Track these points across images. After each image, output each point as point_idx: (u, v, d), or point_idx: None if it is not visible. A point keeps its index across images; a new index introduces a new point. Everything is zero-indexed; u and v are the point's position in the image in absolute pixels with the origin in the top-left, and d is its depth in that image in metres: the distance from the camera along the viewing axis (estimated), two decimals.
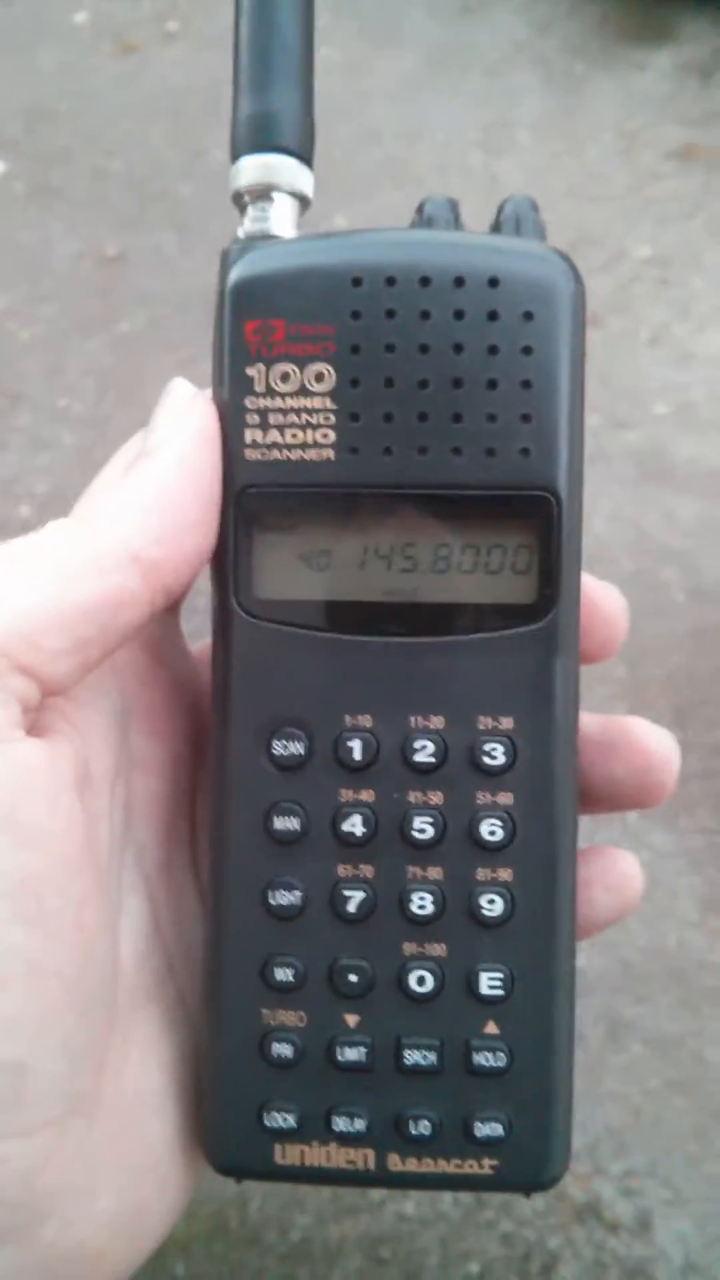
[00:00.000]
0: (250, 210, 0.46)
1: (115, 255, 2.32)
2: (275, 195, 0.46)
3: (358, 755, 0.44)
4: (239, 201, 0.46)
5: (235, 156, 0.46)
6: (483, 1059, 0.44)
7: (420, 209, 0.47)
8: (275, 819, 0.44)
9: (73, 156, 2.49)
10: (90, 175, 2.45)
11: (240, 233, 0.46)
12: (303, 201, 0.47)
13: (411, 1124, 0.44)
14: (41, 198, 2.44)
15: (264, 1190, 1.46)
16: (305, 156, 0.46)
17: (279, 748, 0.44)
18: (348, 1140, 0.44)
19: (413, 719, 0.44)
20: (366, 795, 0.44)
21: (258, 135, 0.45)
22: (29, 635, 0.37)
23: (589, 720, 0.49)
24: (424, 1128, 0.44)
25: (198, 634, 0.51)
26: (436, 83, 2.57)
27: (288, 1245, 1.46)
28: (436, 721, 0.44)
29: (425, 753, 0.44)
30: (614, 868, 0.50)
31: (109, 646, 0.40)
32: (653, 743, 0.49)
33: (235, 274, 0.44)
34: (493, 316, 0.42)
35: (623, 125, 2.50)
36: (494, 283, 0.42)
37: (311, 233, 0.45)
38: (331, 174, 2.49)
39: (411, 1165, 0.44)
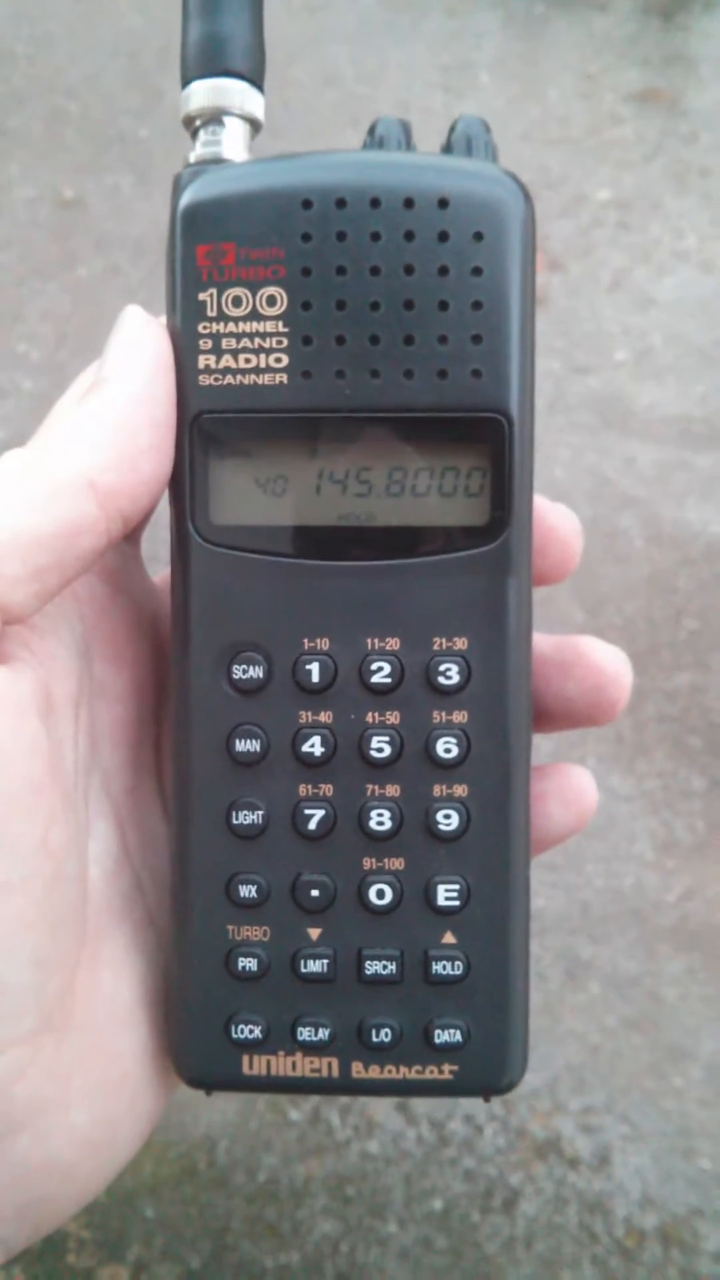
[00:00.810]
0: (201, 135, 0.46)
1: (73, 199, 2.29)
2: (226, 119, 0.45)
3: (316, 678, 0.45)
4: (190, 126, 0.46)
5: (185, 81, 0.46)
6: (441, 968, 0.45)
7: (372, 129, 0.47)
8: (236, 741, 0.45)
9: (29, 99, 2.45)
10: (47, 118, 2.41)
11: (191, 157, 0.46)
12: (254, 125, 0.46)
13: (373, 1032, 0.45)
14: None
15: (231, 1132, 1.48)
16: (256, 79, 0.46)
17: (239, 672, 0.45)
18: (312, 1049, 0.46)
19: (369, 641, 0.45)
20: (325, 716, 0.45)
21: (207, 58, 0.45)
22: None
23: (544, 640, 0.50)
24: (385, 1035, 0.45)
25: (158, 563, 0.51)
26: (395, 23, 2.53)
27: (255, 1186, 1.47)
28: (392, 643, 0.45)
29: (382, 674, 0.45)
30: (569, 782, 0.51)
31: (67, 574, 0.40)
32: (606, 660, 0.50)
33: (186, 198, 0.44)
34: (443, 237, 0.42)
35: (583, 67, 2.47)
36: (444, 203, 0.42)
37: (263, 156, 0.45)
38: (290, 116, 2.47)
39: (374, 1072, 0.46)
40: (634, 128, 2.39)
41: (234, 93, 0.45)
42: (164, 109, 2.41)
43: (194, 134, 0.46)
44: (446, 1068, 0.46)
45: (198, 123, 0.46)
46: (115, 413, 0.41)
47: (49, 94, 2.46)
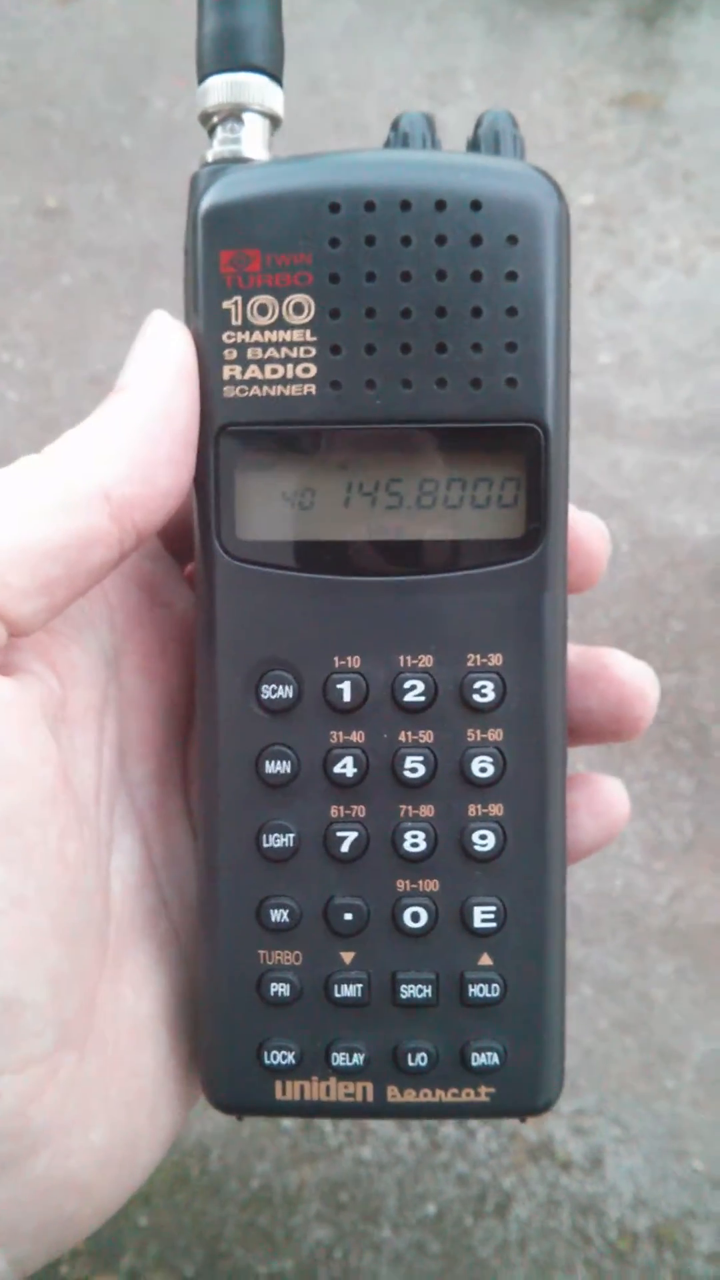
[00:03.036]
0: (219, 132, 0.44)
1: (56, 207, 2.28)
2: (245, 116, 0.44)
3: (347, 697, 0.44)
4: (207, 123, 0.44)
5: (202, 76, 0.44)
6: (477, 990, 0.45)
7: (395, 125, 0.45)
8: (266, 762, 0.44)
9: (11, 107, 2.44)
10: (30, 126, 2.41)
11: (209, 155, 0.44)
12: (274, 121, 0.45)
13: (409, 1056, 0.45)
14: None
15: (223, 1139, 1.48)
16: (276, 74, 0.44)
17: (268, 691, 0.44)
18: (347, 1074, 0.45)
19: (402, 658, 0.44)
20: (357, 736, 0.44)
21: (225, 52, 0.43)
22: None
23: (569, 651, 0.48)
24: (421, 1059, 0.45)
25: None
26: (379, 30, 2.53)
27: (248, 1193, 1.47)
28: (425, 660, 0.44)
29: (415, 692, 0.44)
30: (600, 793, 0.50)
31: (77, 587, 0.39)
32: (630, 675, 0.49)
33: (208, 201, 0.42)
34: (476, 241, 0.41)
35: (566, 72, 2.48)
36: (476, 205, 0.41)
37: (285, 156, 0.44)
38: None
39: (410, 1096, 0.45)
40: (617, 132, 2.40)
41: (254, 88, 0.44)
42: (148, 117, 2.40)
43: (211, 131, 0.44)
44: (483, 1090, 0.45)
45: (215, 119, 0.44)
46: (133, 422, 0.40)
47: (32, 102, 2.45)
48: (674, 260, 2.24)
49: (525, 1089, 0.45)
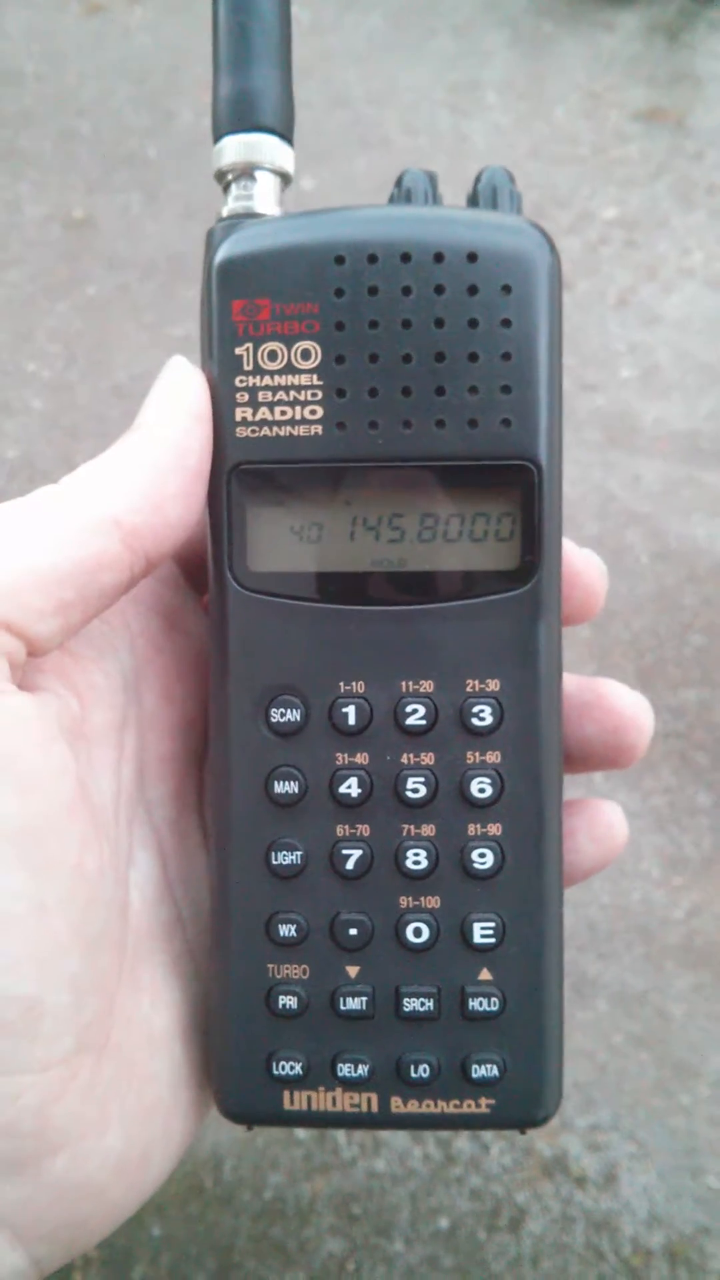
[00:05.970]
0: (233, 189, 0.47)
1: (83, 218, 2.30)
2: (258, 174, 0.46)
3: (352, 720, 0.45)
4: (222, 180, 0.47)
5: (217, 136, 0.47)
6: (477, 1004, 0.46)
7: (399, 181, 0.48)
8: (275, 783, 0.46)
9: (40, 118, 2.46)
10: (57, 137, 2.43)
11: (224, 211, 0.47)
12: (285, 178, 0.47)
13: (412, 1068, 0.46)
14: (8, 160, 2.41)
15: (237, 1150, 1.48)
16: (286, 134, 0.47)
17: (276, 715, 0.46)
18: (352, 1085, 0.46)
19: (404, 684, 0.45)
20: (361, 758, 0.46)
21: (239, 114, 0.46)
22: (13, 595, 0.39)
23: (567, 680, 0.50)
24: (423, 1071, 0.46)
25: None
26: (403, 43, 2.54)
27: (261, 1204, 1.47)
28: (426, 685, 0.45)
29: (416, 716, 0.45)
30: (599, 818, 0.52)
31: (90, 609, 0.41)
32: (625, 704, 0.50)
33: (221, 254, 0.44)
34: (472, 291, 0.43)
35: (590, 86, 2.48)
36: (472, 257, 0.43)
37: (295, 211, 0.46)
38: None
39: (413, 1107, 0.46)
40: (640, 146, 2.40)
41: (266, 148, 0.46)
42: (173, 129, 2.42)
43: (225, 188, 0.47)
44: (484, 1101, 0.46)
45: (229, 177, 0.47)
46: (147, 456, 0.42)
47: (59, 113, 2.47)
48: (696, 274, 2.24)
49: (525, 1101, 0.47)
